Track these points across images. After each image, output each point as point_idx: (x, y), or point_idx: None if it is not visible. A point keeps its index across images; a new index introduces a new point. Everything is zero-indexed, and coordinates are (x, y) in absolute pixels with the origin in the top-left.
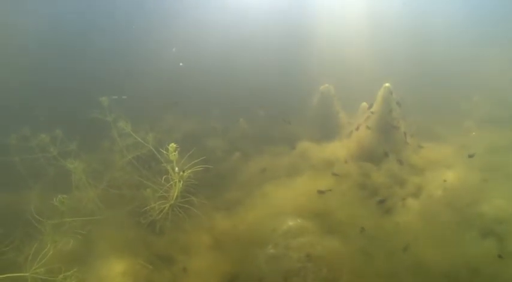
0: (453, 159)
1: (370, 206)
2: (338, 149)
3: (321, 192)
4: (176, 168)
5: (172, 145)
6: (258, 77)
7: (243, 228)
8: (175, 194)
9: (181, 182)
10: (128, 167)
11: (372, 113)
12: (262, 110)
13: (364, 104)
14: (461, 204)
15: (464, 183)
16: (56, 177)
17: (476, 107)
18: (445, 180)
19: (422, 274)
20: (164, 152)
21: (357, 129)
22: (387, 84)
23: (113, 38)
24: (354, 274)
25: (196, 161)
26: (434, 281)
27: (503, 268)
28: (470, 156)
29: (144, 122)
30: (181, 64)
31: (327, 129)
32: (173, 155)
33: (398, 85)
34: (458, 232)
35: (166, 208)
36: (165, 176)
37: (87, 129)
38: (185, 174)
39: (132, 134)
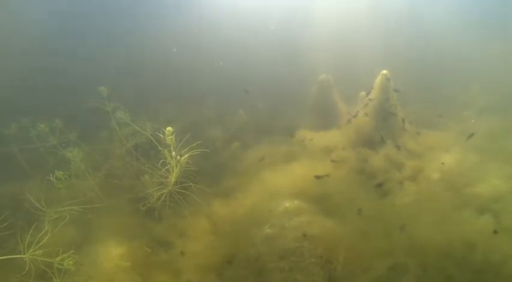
0: (451, 144)
1: (367, 190)
2: (336, 137)
3: (318, 177)
4: (173, 153)
5: (169, 129)
6: (258, 68)
7: (241, 212)
8: (173, 180)
9: (178, 166)
10: (127, 156)
11: (370, 99)
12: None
13: (363, 93)
14: (459, 185)
15: (462, 165)
16: (55, 167)
17: (476, 97)
18: (442, 163)
19: (419, 251)
20: (161, 136)
21: (355, 116)
22: (385, 71)
23: (113, 30)
24: (351, 252)
25: (193, 145)
26: (431, 258)
27: (499, 243)
28: (469, 137)
29: (143, 112)
30: (174, 50)
31: (325, 118)
32: (170, 139)
33: (398, 75)
34: (455, 211)
35: (165, 194)
36: (162, 160)
37: (86, 120)
38: (182, 159)
39: (130, 123)
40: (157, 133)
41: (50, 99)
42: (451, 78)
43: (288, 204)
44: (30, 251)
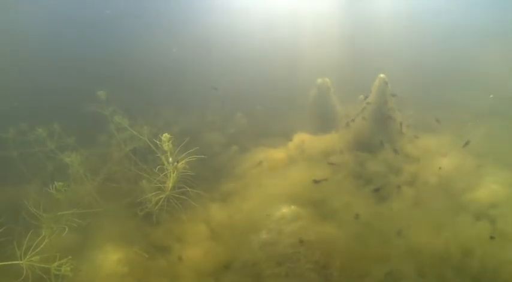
0: (449, 148)
1: (365, 194)
2: (334, 140)
3: (316, 181)
4: (170, 159)
5: (166, 135)
6: (256, 71)
7: (238, 217)
8: (171, 185)
9: (176, 172)
10: (125, 160)
11: (368, 103)
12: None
13: (361, 97)
14: (456, 190)
15: (459, 170)
16: (54, 171)
17: (475, 99)
18: (440, 168)
19: (415, 257)
20: (158, 142)
21: (353, 120)
22: (382, 75)
23: (112, 34)
24: (347, 258)
25: (191, 150)
26: (427, 263)
27: (495, 248)
28: (466, 144)
29: (141, 115)
30: (174, 50)
31: (324, 121)
32: (167, 145)
33: (397, 78)
34: (452, 216)
35: (162, 199)
36: (159, 166)
37: (84, 124)
38: (179, 164)
39: (128, 128)
40: (154, 140)
41: (48, 102)
42: (450, 80)
43: (285, 209)
44: (28, 257)
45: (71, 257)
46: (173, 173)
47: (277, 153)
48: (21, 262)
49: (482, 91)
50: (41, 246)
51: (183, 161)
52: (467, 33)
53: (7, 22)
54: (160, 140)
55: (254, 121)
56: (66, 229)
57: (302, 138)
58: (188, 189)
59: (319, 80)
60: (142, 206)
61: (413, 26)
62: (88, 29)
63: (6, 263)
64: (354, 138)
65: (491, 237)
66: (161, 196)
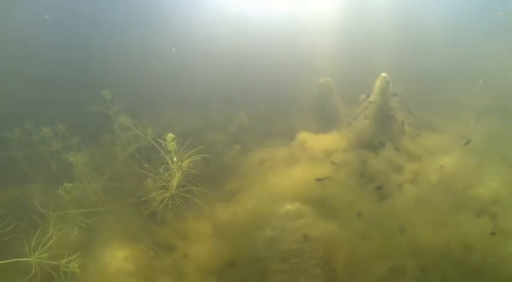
0: (450, 147)
1: (367, 192)
2: (337, 139)
3: (319, 180)
4: (174, 158)
5: (170, 135)
6: (258, 71)
7: (242, 214)
8: (175, 184)
9: (180, 171)
10: (129, 160)
11: (370, 103)
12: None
13: (363, 96)
14: (457, 187)
15: (461, 168)
16: (59, 171)
17: (476, 98)
18: (441, 166)
19: (417, 253)
20: (162, 142)
21: (355, 119)
22: (384, 74)
23: (114, 34)
24: (350, 254)
25: (195, 149)
26: (428, 259)
27: (496, 244)
28: (467, 142)
29: (145, 115)
30: (174, 49)
31: (326, 120)
32: (171, 145)
33: (399, 78)
34: (453, 213)
35: (167, 198)
36: (164, 166)
37: (89, 124)
38: (183, 164)
39: (132, 128)
40: (158, 139)
41: (52, 103)
42: (451, 79)
43: (289, 206)
44: (36, 254)
45: (78, 254)
46: (177, 172)
47: (280, 152)
48: (30, 259)
49: (483, 90)
50: (49, 244)
51: (187, 160)
52: (471, 30)
53: (8, 22)
54: (164, 140)
55: (257, 121)
56: (76, 230)
57: (304, 138)
58: (192, 187)
59: (322, 80)
60: (147, 204)
61: (414, 23)
62: (89, 29)
63: (15, 260)
64: (356, 137)
65: (492, 233)
66: (166, 195)
